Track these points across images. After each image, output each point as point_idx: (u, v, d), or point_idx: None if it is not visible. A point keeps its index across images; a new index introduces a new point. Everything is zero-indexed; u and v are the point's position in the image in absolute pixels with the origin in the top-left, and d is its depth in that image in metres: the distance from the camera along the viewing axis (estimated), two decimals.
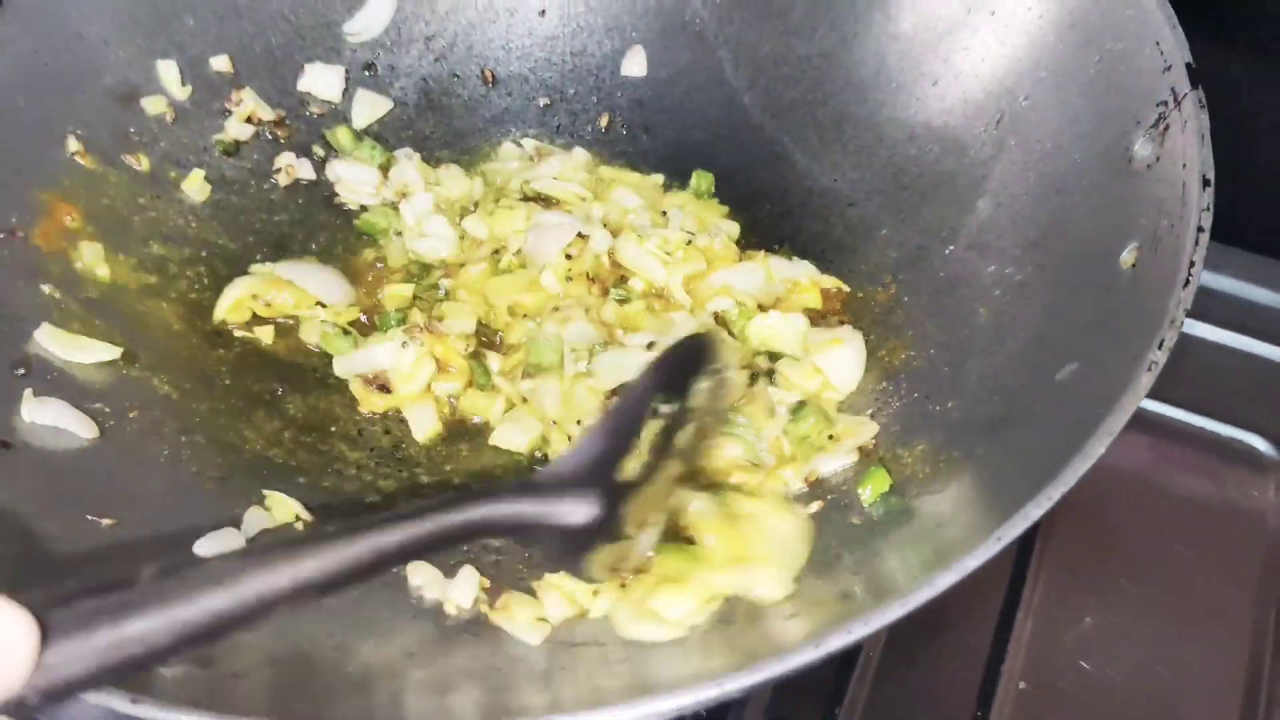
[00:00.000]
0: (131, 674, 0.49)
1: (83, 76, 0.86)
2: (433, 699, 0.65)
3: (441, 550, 0.65)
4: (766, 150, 0.95)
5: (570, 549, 0.63)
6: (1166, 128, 0.70)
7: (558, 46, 1.00)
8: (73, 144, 0.85)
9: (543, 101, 1.00)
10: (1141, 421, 0.96)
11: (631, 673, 0.66)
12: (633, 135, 0.98)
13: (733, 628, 0.68)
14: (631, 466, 0.65)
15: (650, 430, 0.67)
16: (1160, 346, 0.59)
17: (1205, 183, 0.65)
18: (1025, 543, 0.89)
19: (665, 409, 0.68)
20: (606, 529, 0.62)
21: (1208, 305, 1.01)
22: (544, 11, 0.99)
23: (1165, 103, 0.70)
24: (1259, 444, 0.95)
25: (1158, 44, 0.72)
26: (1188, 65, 0.70)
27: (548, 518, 0.60)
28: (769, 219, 0.93)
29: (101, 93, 0.87)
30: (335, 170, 0.95)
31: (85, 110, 0.86)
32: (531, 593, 0.72)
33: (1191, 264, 0.62)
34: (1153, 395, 0.95)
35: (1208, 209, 0.64)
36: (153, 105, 0.90)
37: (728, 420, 0.79)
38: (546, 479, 0.64)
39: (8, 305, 0.78)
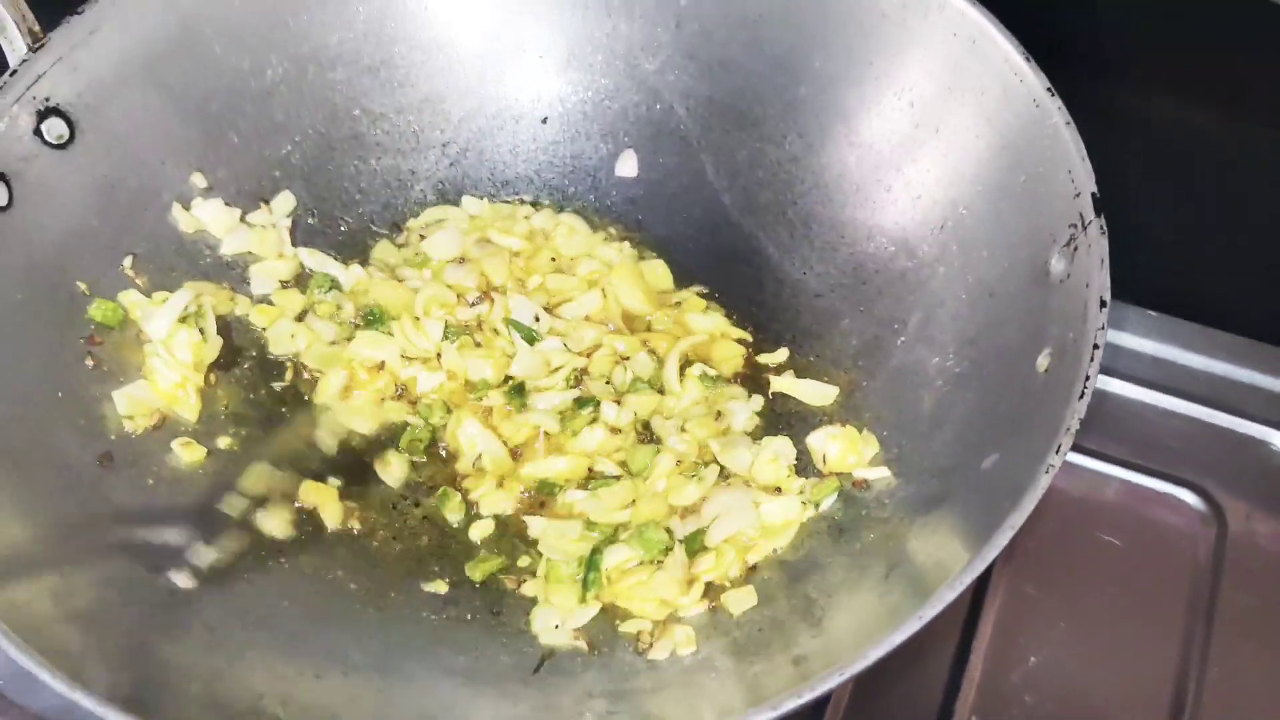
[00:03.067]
0: None
1: (145, 196, 0.99)
2: None
3: None
4: (744, 245, 1.06)
5: None
6: (1076, 248, 0.81)
7: (559, 150, 1.12)
8: (128, 263, 0.97)
9: (546, 200, 1.12)
10: (1080, 478, 1.08)
11: None
12: (626, 230, 1.10)
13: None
14: None
15: None
16: (1057, 452, 0.70)
17: (1102, 304, 0.76)
18: (977, 594, 1.01)
19: None
20: None
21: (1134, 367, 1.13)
22: (546, 120, 1.11)
23: (1075, 225, 0.81)
24: (1187, 496, 1.07)
25: (1069, 172, 0.82)
26: (1093, 195, 0.80)
27: None
28: (746, 307, 1.04)
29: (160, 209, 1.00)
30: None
31: (147, 226, 0.99)
32: None
33: (1087, 378, 0.73)
34: (1089, 453, 1.09)
35: (1103, 328, 0.74)
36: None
37: None
38: None
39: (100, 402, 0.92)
